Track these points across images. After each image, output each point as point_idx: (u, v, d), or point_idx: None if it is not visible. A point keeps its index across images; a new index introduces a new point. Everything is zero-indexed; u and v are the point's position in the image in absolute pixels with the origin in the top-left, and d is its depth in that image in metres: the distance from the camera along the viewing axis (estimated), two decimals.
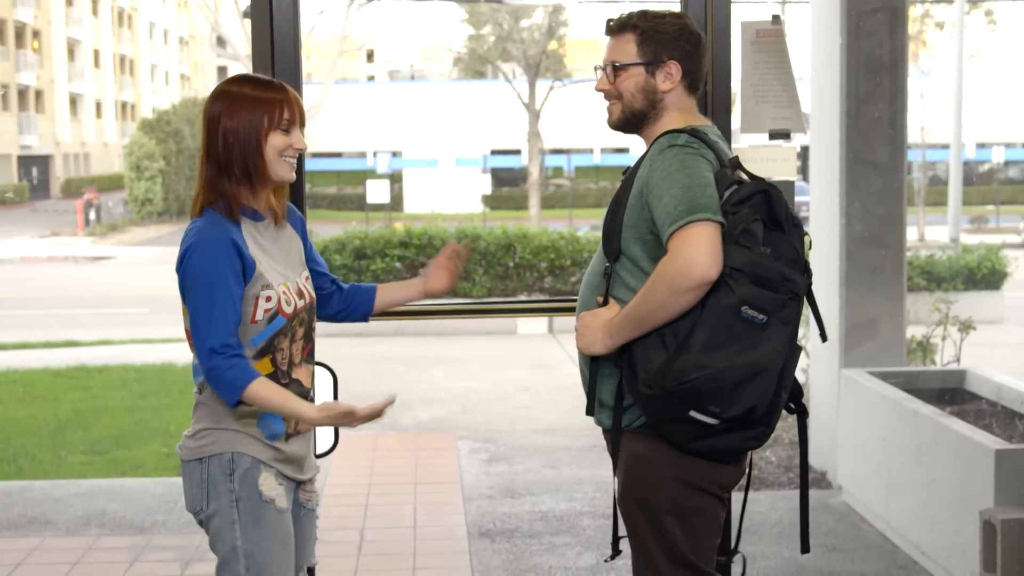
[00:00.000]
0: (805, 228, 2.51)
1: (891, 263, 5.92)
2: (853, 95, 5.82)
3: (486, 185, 41.83)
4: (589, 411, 2.65)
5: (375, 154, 39.75)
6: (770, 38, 3.65)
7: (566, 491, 5.93)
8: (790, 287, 2.37)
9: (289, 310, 2.56)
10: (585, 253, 13.85)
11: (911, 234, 27.85)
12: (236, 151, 2.52)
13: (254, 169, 2.53)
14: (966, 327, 7.56)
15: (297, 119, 2.57)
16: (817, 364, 6.20)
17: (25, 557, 4.86)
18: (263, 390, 2.46)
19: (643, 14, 2.63)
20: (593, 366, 2.59)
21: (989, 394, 5.24)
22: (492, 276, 13.91)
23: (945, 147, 28.44)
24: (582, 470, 6.43)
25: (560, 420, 8.01)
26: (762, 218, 2.40)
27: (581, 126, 39.72)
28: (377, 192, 31.01)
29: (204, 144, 2.56)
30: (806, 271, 2.44)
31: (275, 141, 2.54)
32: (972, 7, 35.91)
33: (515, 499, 5.80)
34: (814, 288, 2.55)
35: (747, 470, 2.65)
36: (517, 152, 39.90)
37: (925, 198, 31.77)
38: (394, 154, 40.55)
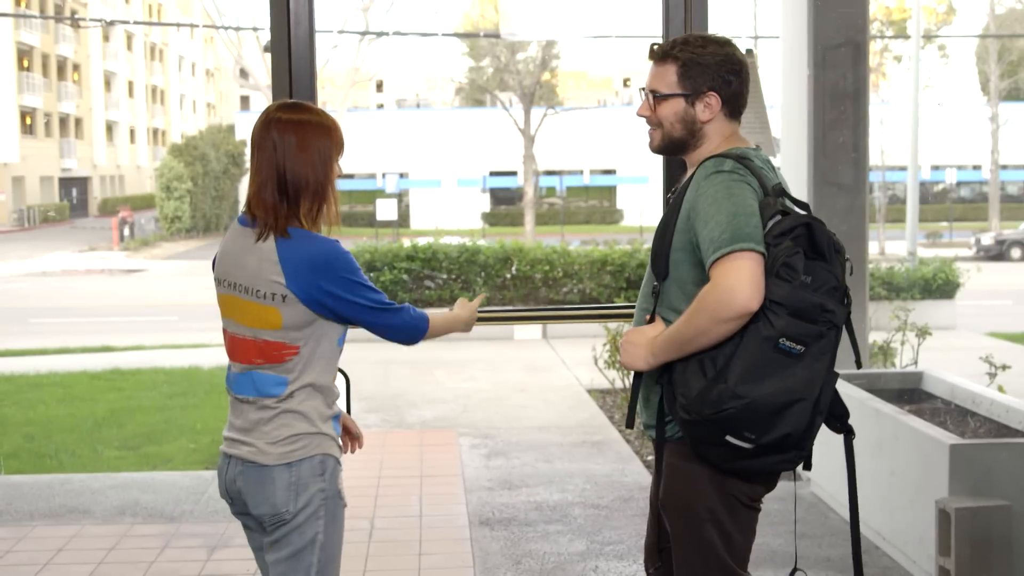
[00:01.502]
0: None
1: (854, 275, 5.92)
2: (819, 122, 5.83)
3: (485, 203, 41.88)
4: (629, 423, 2.53)
5: (384, 175, 39.76)
6: None
7: (559, 483, 5.92)
8: (828, 318, 2.24)
9: None
10: (576, 266, 13.84)
11: (872, 248, 27.87)
12: (312, 179, 2.37)
13: (321, 196, 2.39)
14: (923, 333, 7.56)
15: None
16: None
17: (66, 543, 4.85)
18: (436, 320, 2.57)
19: (686, 43, 2.48)
20: (636, 381, 2.51)
21: (943, 394, 5.24)
22: (491, 286, 13.91)
23: (903, 169, 28.51)
24: (573, 464, 6.42)
25: (553, 418, 8.00)
26: (803, 249, 2.26)
27: (572, 150, 39.83)
28: (386, 210, 31.03)
29: (261, 169, 2.37)
30: (845, 298, 2.30)
31: (335, 170, 2.43)
32: (927, 43, 36.07)
33: (512, 491, 5.78)
34: None
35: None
36: (513, 173, 39.91)
37: (885, 215, 31.87)
38: (401, 175, 40.57)
